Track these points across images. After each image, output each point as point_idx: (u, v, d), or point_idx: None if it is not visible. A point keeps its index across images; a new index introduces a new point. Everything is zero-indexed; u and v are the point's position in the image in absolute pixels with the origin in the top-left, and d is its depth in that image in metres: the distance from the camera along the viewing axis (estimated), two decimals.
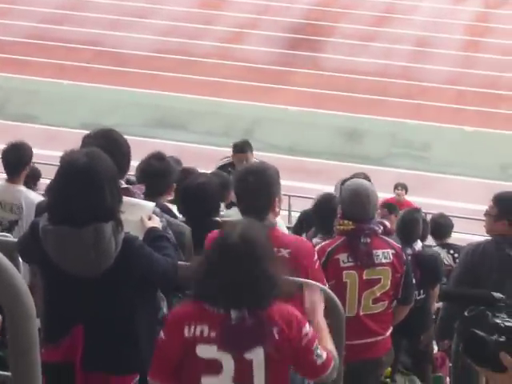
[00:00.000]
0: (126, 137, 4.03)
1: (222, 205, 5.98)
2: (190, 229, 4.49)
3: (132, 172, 4.45)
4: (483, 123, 19.84)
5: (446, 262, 7.63)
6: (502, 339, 2.18)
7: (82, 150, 3.54)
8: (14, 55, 21.66)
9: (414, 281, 5.47)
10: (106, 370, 3.41)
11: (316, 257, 4.31)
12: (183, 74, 21.25)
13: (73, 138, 5.16)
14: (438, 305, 6.90)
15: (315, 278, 4.04)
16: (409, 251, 6.36)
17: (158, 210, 3.88)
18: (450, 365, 6.46)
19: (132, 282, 3.41)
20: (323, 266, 4.57)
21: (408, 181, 13.96)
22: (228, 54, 22.40)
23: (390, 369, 6.74)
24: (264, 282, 3.07)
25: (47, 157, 11.25)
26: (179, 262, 3.63)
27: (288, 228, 7.27)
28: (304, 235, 6.76)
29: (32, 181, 8.18)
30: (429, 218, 8.69)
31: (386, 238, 5.08)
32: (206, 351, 3.08)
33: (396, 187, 13.02)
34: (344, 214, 5.01)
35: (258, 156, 9.16)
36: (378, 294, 4.98)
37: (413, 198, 13.32)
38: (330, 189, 8.02)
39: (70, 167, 3.35)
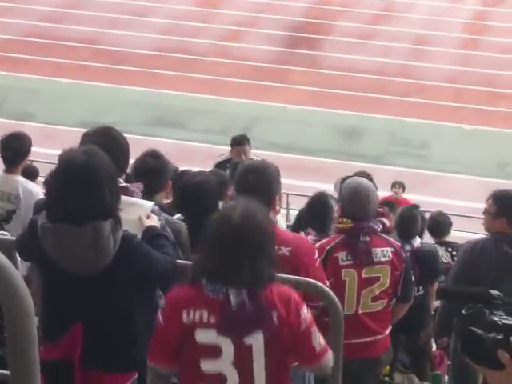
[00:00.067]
0: (124, 135, 4.03)
1: (221, 203, 5.97)
2: (186, 226, 4.49)
3: (128, 170, 4.44)
4: (481, 121, 19.85)
5: (444, 260, 7.63)
6: (500, 337, 2.18)
7: (80, 148, 3.54)
8: (12, 53, 21.65)
9: (413, 278, 5.48)
10: (104, 368, 3.42)
11: (316, 255, 4.32)
12: (182, 73, 21.25)
13: (71, 137, 5.17)
14: (437, 303, 6.90)
15: (316, 276, 4.05)
16: (407, 248, 6.37)
17: (156, 208, 3.88)
18: (449, 363, 6.47)
19: (130, 279, 3.41)
20: (322, 264, 4.57)
21: (406, 179, 13.97)
22: (227, 52, 22.40)
23: (388, 367, 6.74)
24: (264, 261, 3.09)
25: (45, 155, 11.23)
26: (177, 261, 3.64)
27: (287, 226, 7.27)
28: (302, 233, 6.76)
29: (29, 179, 8.16)
30: (427, 215, 8.69)
31: (386, 236, 5.08)
32: (205, 336, 3.09)
33: (393, 185, 13.03)
34: (343, 213, 5.01)
35: (256, 154, 9.16)
36: (377, 293, 4.98)
37: (411, 196, 13.34)
38: (329, 187, 8.02)
39: (68, 165, 3.36)
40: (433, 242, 8.16)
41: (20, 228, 5.71)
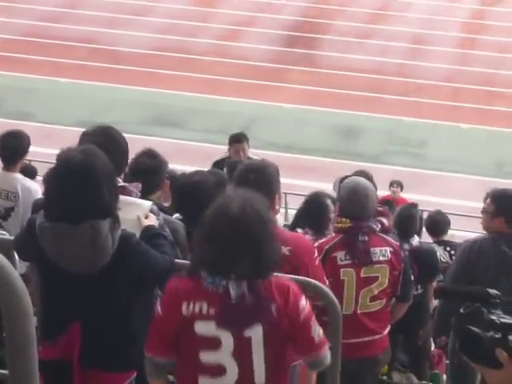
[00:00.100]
0: (123, 134, 4.02)
1: None
2: (183, 225, 4.49)
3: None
4: (479, 120, 19.86)
5: (442, 259, 7.62)
6: (498, 336, 2.18)
7: (78, 147, 3.54)
8: (11, 53, 21.64)
9: (412, 277, 5.48)
10: (103, 367, 3.42)
11: (316, 254, 4.32)
12: (180, 72, 21.24)
13: (69, 136, 5.16)
14: (435, 302, 6.90)
15: (316, 275, 4.06)
16: (406, 247, 6.37)
17: (155, 208, 3.88)
18: (447, 362, 6.46)
19: (129, 279, 3.41)
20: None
21: (404, 178, 13.97)
22: (225, 51, 22.40)
23: (386, 366, 6.74)
24: (264, 251, 3.09)
25: (43, 154, 11.22)
26: (176, 260, 3.64)
27: (284, 225, 7.26)
28: (300, 231, 6.75)
29: (28, 178, 8.16)
30: (425, 215, 8.69)
31: (384, 236, 5.08)
32: (204, 328, 3.09)
33: (391, 185, 13.03)
34: (342, 212, 5.01)
35: (255, 154, 9.16)
36: (376, 292, 4.98)
37: (409, 196, 13.33)
38: (327, 186, 8.01)
39: (66, 165, 3.36)
40: (431, 241, 8.16)
41: (18, 226, 5.72)
